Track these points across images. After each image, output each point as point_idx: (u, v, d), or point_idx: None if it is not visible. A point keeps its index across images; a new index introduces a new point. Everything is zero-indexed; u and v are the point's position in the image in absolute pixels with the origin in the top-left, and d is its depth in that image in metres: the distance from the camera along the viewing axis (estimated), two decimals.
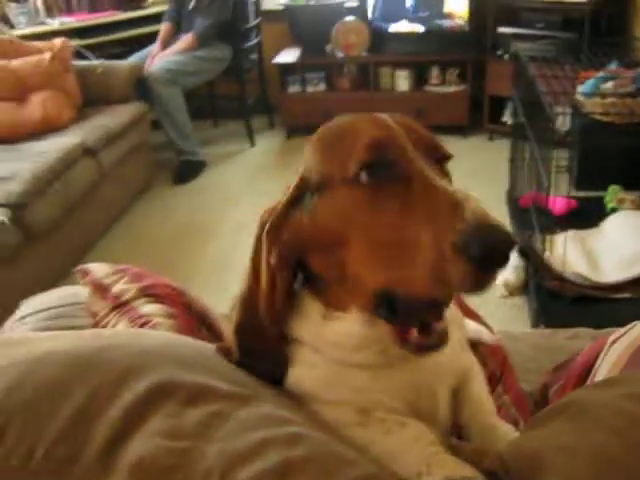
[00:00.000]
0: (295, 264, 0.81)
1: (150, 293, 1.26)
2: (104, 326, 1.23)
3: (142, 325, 1.15)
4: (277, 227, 0.79)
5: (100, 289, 1.30)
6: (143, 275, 1.33)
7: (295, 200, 0.79)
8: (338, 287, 0.79)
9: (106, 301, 1.27)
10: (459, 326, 0.96)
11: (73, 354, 0.74)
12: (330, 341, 0.81)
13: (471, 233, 0.62)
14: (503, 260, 0.63)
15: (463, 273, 0.62)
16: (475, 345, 1.30)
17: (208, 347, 0.90)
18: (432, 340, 0.74)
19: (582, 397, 0.69)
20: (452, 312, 0.88)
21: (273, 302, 0.80)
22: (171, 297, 1.27)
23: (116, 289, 1.28)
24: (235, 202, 4.07)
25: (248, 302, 0.83)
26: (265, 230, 0.79)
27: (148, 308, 1.21)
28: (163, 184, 4.48)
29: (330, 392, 0.82)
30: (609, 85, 2.91)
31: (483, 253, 0.61)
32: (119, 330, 1.13)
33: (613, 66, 3.13)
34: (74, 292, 1.50)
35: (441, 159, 0.78)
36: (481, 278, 0.63)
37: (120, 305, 1.24)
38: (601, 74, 3.02)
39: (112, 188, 3.86)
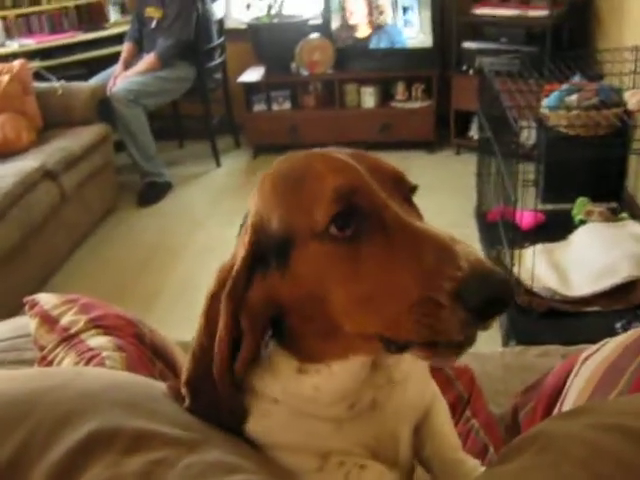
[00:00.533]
0: (268, 323, 0.74)
1: (100, 324, 1.21)
2: (51, 360, 1.17)
3: (90, 359, 1.10)
4: (239, 287, 0.71)
5: (48, 321, 1.25)
6: (93, 306, 1.27)
7: (253, 256, 0.71)
8: (320, 340, 0.72)
9: (54, 334, 1.21)
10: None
11: (4, 399, 0.68)
12: (305, 396, 0.75)
13: (470, 281, 0.58)
14: (503, 308, 0.59)
15: (461, 322, 0.59)
16: (441, 367, 1.26)
17: (156, 386, 0.84)
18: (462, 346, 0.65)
19: (550, 428, 0.65)
20: (403, 374, 0.82)
21: (228, 365, 0.73)
22: (122, 328, 1.22)
23: (64, 321, 1.23)
24: (201, 224, 4.01)
25: (200, 358, 0.75)
26: (226, 291, 0.71)
27: (97, 341, 1.16)
28: (128, 206, 4.40)
29: (285, 437, 0.77)
30: (573, 98, 2.91)
31: (484, 303, 0.58)
32: (57, 369, 1.08)
33: (577, 79, 3.13)
34: (27, 323, 1.44)
35: (408, 192, 0.73)
36: (480, 326, 0.60)
37: (68, 338, 1.19)
38: (565, 87, 3.03)
39: (75, 211, 3.79)
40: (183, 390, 0.78)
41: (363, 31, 4.80)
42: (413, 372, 0.83)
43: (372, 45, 4.79)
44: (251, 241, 0.71)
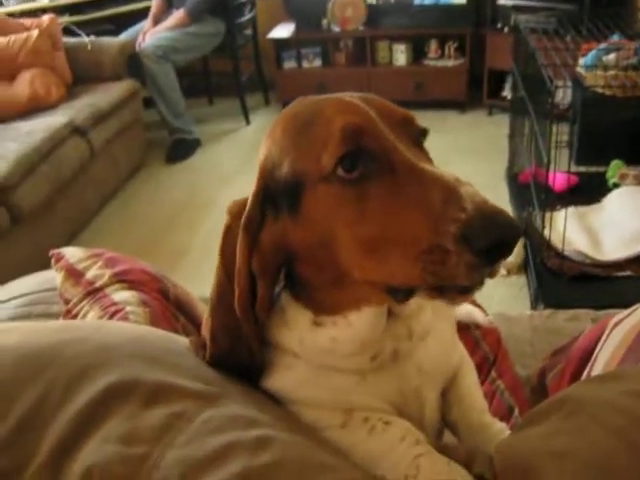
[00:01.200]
0: (279, 269, 0.74)
1: (124, 279, 1.21)
2: (76, 314, 1.17)
3: (114, 313, 1.10)
4: (253, 220, 0.71)
5: (73, 274, 1.25)
6: (118, 260, 1.27)
7: (264, 196, 0.71)
8: (332, 290, 0.72)
9: (79, 287, 1.22)
10: (447, 317, 0.88)
11: (23, 352, 0.68)
12: (322, 348, 0.74)
13: (475, 223, 0.57)
14: (510, 250, 0.58)
15: (468, 266, 0.57)
16: (468, 327, 1.25)
17: (178, 341, 0.84)
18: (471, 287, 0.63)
19: (579, 393, 0.63)
20: (426, 328, 0.81)
21: (249, 304, 0.72)
22: (147, 283, 1.21)
23: (90, 275, 1.23)
24: (230, 181, 4.00)
25: (219, 301, 0.75)
26: (242, 224, 0.71)
27: (121, 295, 1.15)
28: (156, 163, 4.41)
29: (308, 393, 0.76)
30: (611, 57, 2.83)
31: (490, 244, 0.56)
32: (78, 323, 1.07)
33: (615, 38, 3.04)
34: (54, 277, 1.45)
35: (418, 135, 0.71)
36: (487, 270, 0.59)
37: (93, 291, 1.19)
38: (603, 46, 2.94)
39: (103, 168, 3.79)
40: (204, 337, 0.78)
41: None
42: (437, 330, 0.82)
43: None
44: (260, 180, 0.71)
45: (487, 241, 0.56)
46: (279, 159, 0.69)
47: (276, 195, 0.70)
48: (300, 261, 0.72)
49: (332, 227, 0.66)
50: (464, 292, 0.62)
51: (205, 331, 0.78)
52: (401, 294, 0.65)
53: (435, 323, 0.82)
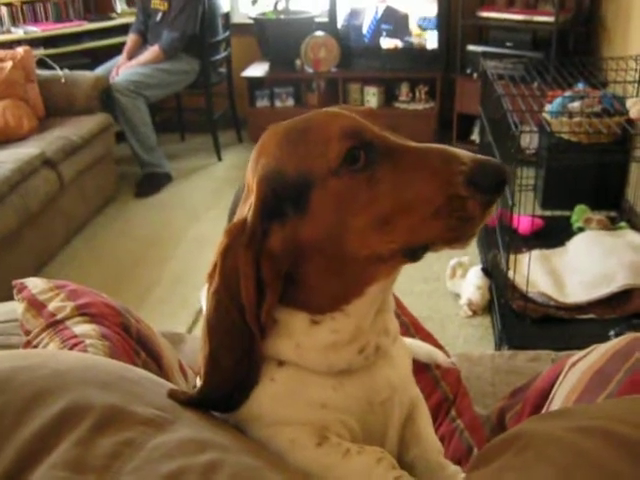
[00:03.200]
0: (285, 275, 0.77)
1: (86, 312, 1.20)
2: (36, 345, 1.16)
3: (74, 346, 1.09)
4: (256, 236, 0.75)
5: (35, 305, 1.24)
6: (81, 293, 1.26)
7: (266, 208, 0.75)
8: (336, 283, 0.77)
9: (40, 318, 1.20)
10: (408, 354, 0.94)
11: None
12: (324, 344, 0.78)
13: (476, 170, 0.69)
14: (505, 183, 0.70)
15: (480, 204, 0.69)
16: (428, 367, 1.26)
17: (135, 370, 0.83)
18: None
19: (529, 429, 0.63)
20: (401, 339, 0.89)
21: (259, 316, 0.75)
22: (108, 317, 1.21)
23: (51, 306, 1.22)
24: (200, 217, 4.00)
25: (222, 322, 0.75)
26: (244, 242, 0.74)
27: (82, 328, 1.15)
28: (126, 198, 4.39)
29: (287, 408, 0.78)
30: (576, 105, 2.90)
31: (493, 181, 0.69)
32: (34, 350, 1.07)
33: (580, 86, 3.12)
34: (16, 308, 1.43)
35: (388, 124, 0.80)
36: (491, 205, 0.71)
37: (54, 323, 1.18)
38: (568, 93, 3.02)
39: (73, 200, 3.78)
40: (203, 363, 0.77)
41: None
42: (399, 354, 0.88)
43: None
44: (260, 194, 0.75)
45: (493, 179, 0.69)
46: (282, 167, 0.75)
47: (281, 202, 0.75)
48: (307, 260, 0.76)
49: (344, 216, 0.73)
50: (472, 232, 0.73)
51: (201, 357, 0.78)
52: (420, 251, 0.74)
53: (397, 349, 0.87)
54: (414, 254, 0.74)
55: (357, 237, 0.73)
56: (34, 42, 4.60)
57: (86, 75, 4.21)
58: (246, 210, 0.76)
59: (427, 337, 1.38)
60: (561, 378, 1.11)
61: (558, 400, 1.07)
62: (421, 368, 1.27)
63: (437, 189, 0.70)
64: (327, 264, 0.76)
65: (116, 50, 4.70)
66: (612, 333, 2.37)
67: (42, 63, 4.27)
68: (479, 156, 0.71)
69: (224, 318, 0.75)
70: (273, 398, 0.78)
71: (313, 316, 0.78)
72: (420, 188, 0.71)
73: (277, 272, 0.75)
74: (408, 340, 1.29)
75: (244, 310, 0.74)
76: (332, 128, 0.74)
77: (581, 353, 1.14)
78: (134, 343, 1.19)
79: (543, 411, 1.09)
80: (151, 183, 4.43)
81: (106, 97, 4.23)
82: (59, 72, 4.15)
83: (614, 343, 1.08)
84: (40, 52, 4.51)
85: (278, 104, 5.00)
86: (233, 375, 0.76)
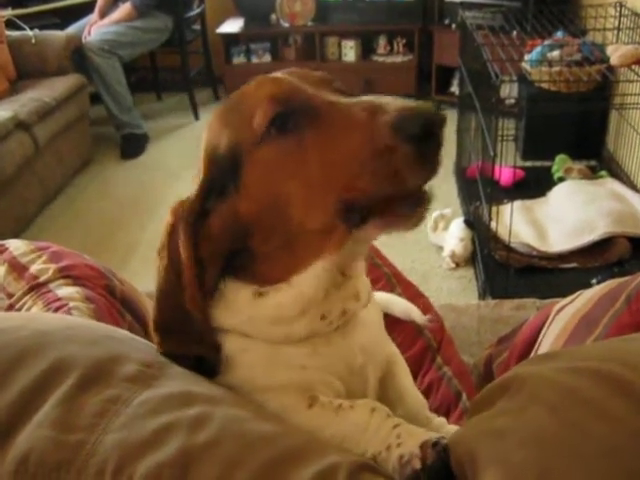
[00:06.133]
0: (228, 252, 0.76)
1: (69, 274, 1.18)
2: (19, 308, 1.15)
3: (57, 309, 1.07)
4: (196, 216, 0.74)
5: (17, 268, 1.22)
6: (63, 254, 1.24)
7: (209, 186, 0.75)
8: (283, 255, 0.74)
9: (22, 281, 1.19)
10: (377, 309, 0.93)
11: None
12: (270, 317, 0.76)
13: (403, 117, 0.63)
14: (439, 135, 0.64)
15: (409, 155, 0.63)
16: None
17: (119, 331, 0.83)
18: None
19: (522, 373, 0.64)
20: (369, 295, 0.87)
21: (200, 294, 0.75)
22: (92, 279, 1.19)
23: (34, 269, 1.20)
24: (178, 176, 3.94)
25: (167, 297, 0.76)
26: (183, 220, 0.74)
27: (65, 291, 1.13)
28: (104, 159, 4.33)
29: (268, 374, 0.77)
30: (556, 53, 2.88)
31: (421, 128, 0.63)
32: (14, 313, 1.05)
33: (559, 35, 3.10)
34: None
35: (341, 90, 0.77)
36: (427, 157, 0.64)
37: (36, 286, 1.16)
38: (548, 42, 2.99)
39: (49, 163, 3.71)
40: (153, 336, 0.78)
41: None
42: (370, 316, 0.87)
43: None
44: (205, 171, 0.75)
45: (417, 124, 0.63)
46: (217, 140, 0.74)
47: (221, 177, 0.73)
48: (250, 235, 0.74)
49: (278, 185, 0.70)
50: (416, 205, 0.68)
51: (153, 327, 0.78)
52: (356, 217, 0.69)
53: (367, 310, 0.85)
54: (351, 218, 0.69)
55: (294, 208, 0.70)
56: (2, 2, 4.48)
57: (57, 35, 4.10)
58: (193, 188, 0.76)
59: (408, 287, 1.38)
60: (548, 324, 1.12)
61: (545, 346, 1.07)
62: (403, 319, 1.28)
63: (361, 142, 0.66)
64: (270, 239, 0.74)
65: (87, 9, 4.57)
66: (594, 281, 2.39)
67: (11, 24, 4.15)
68: (408, 103, 0.65)
69: (170, 295, 0.76)
70: (251, 367, 0.77)
71: (258, 287, 0.76)
72: (345, 145, 0.67)
73: (216, 251, 0.75)
74: (384, 295, 1.29)
75: None
76: (260, 96, 0.71)
77: (567, 299, 1.15)
78: (119, 305, 1.18)
79: (531, 357, 1.09)
80: (134, 144, 4.37)
81: (79, 57, 4.13)
82: (29, 32, 4.04)
83: (600, 288, 1.09)
84: (8, 12, 4.38)
85: (255, 60, 4.94)
86: (187, 346, 0.76)
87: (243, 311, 0.76)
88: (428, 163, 0.65)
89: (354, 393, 0.82)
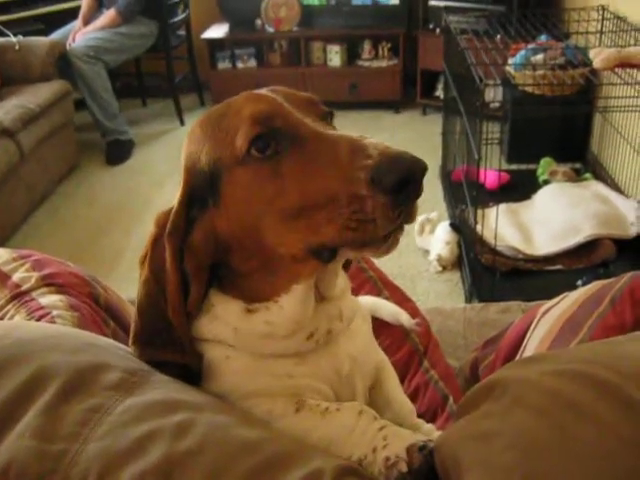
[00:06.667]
0: (211, 266, 0.76)
1: (52, 282, 1.17)
2: (1, 317, 1.13)
3: (40, 318, 1.06)
4: (179, 227, 0.74)
5: None
6: (46, 262, 1.23)
7: (190, 199, 0.74)
8: (263, 276, 0.74)
9: (5, 290, 1.17)
10: (365, 319, 0.92)
11: None
12: (259, 333, 0.75)
13: (381, 164, 0.62)
14: (419, 184, 0.63)
15: (383, 206, 0.62)
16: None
17: (102, 339, 0.82)
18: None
19: (507, 375, 0.64)
20: (356, 304, 0.87)
21: (183, 307, 0.74)
22: (76, 287, 1.18)
23: (16, 277, 1.19)
24: (163, 183, 3.94)
25: (152, 307, 0.76)
26: (167, 232, 0.74)
27: (49, 299, 1.12)
28: (88, 166, 4.31)
29: (253, 381, 0.77)
30: (539, 57, 2.89)
31: (398, 179, 0.61)
32: None
33: (543, 38, 3.11)
34: None
35: (325, 115, 0.76)
36: (403, 208, 0.63)
37: (19, 295, 1.15)
38: (531, 46, 3.01)
39: (34, 170, 3.69)
40: (131, 348, 0.78)
41: None
42: (358, 325, 0.87)
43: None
44: (185, 182, 0.75)
45: (395, 177, 0.61)
46: (197, 154, 0.73)
47: (201, 191, 0.73)
48: (230, 252, 0.74)
49: (253, 207, 0.69)
50: (385, 239, 0.66)
51: (132, 339, 0.78)
52: (326, 253, 0.68)
53: (356, 319, 0.86)
54: (321, 255, 0.69)
55: (269, 232, 0.70)
56: None
57: (41, 41, 4.08)
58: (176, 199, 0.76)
59: (395, 291, 1.38)
60: (533, 326, 1.12)
61: (531, 348, 1.08)
62: (390, 323, 1.28)
63: (337, 185, 0.64)
64: (249, 257, 0.73)
65: (70, 15, 4.56)
66: (579, 283, 2.40)
67: None
68: (391, 149, 0.63)
69: (153, 307, 0.76)
70: (235, 374, 0.77)
71: (248, 304, 0.76)
72: (321, 183, 0.65)
73: (199, 265, 0.74)
74: (372, 299, 1.29)
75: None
76: (245, 113, 0.70)
77: (552, 302, 1.15)
78: (103, 313, 1.17)
79: (516, 359, 1.10)
80: (119, 150, 4.35)
81: (64, 64, 4.11)
82: (12, 39, 4.02)
83: (585, 290, 1.09)
84: None
85: (240, 65, 4.93)
86: (167, 354, 0.76)
87: (230, 324, 0.76)
88: (404, 212, 0.64)
89: (342, 399, 0.81)
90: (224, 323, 0.76)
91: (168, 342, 0.75)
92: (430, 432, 0.89)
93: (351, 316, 0.84)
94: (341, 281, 0.83)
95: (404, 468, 0.66)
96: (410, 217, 0.65)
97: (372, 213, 0.62)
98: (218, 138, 0.71)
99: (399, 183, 0.61)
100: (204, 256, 0.74)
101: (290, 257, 0.70)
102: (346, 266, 0.88)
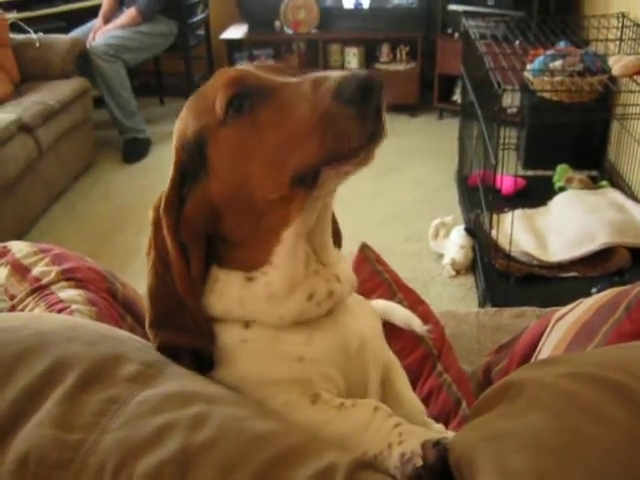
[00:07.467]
0: (206, 235, 0.80)
1: (72, 277, 1.19)
2: (21, 310, 1.15)
3: (59, 311, 1.08)
4: (173, 202, 0.79)
5: (19, 270, 1.22)
6: (66, 257, 1.25)
7: (182, 177, 0.80)
8: (257, 236, 0.79)
9: (25, 283, 1.19)
10: (376, 318, 0.95)
11: None
12: (262, 296, 0.79)
13: (342, 82, 0.69)
14: (379, 93, 0.70)
15: (351, 117, 0.68)
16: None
17: (120, 331, 0.83)
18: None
19: (522, 377, 0.64)
20: (368, 304, 0.91)
21: (190, 279, 0.78)
22: (94, 282, 1.20)
23: (36, 271, 1.21)
24: None
25: (161, 289, 0.79)
26: (162, 209, 0.78)
27: (68, 293, 1.14)
28: (107, 163, 4.34)
29: (267, 368, 0.78)
30: (558, 63, 2.89)
31: (357, 88, 0.68)
32: (15, 314, 1.06)
33: (562, 45, 3.11)
34: None
35: (294, 75, 0.81)
36: (368, 116, 0.69)
37: (39, 288, 1.16)
38: (550, 52, 3.00)
39: (52, 166, 3.72)
40: (148, 332, 0.80)
41: None
42: (364, 309, 0.92)
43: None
44: (176, 162, 0.80)
45: (354, 87, 0.68)
46: (184, 131, 0.79)
47: (191, 163, 0.78)
48: (223, 219, 0.78)
49: (239, 163, 0.75)
50: (360, 152, 0.71)
51: (148, 324, 0.80)
52: (309, 178, 0.73)
53: (356, 305, 0.89)
54: (304, 181, 0.74)
55: (256, 180, 0.75)
56: (7, 5, 4.49)
57: (61, 39, 4.12)
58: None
59: (409, 294, 1.38)
60: (547, 332, 1.13)
61: (545, 353, 1.08)
62: (404, 327, 1.28)
63: (308, 111, 0.71)
64: (241, 218, 0.78)
65: (91, 13, 4.59)
66: (594, 290, 2.39)
67: (15, 27, 4.17)
68: (347, 72, 0.71)
69: (162, 289, 0.79)
70: (250, 358, 0.79)
71: (247, 273, 0.80)
72: (294, 115, 0.72)
73: (195, 233, 0.79)
74: (385, 303, 1.30)
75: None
76: (218, 83, 0.77)
77: (567, 308, 1.15)
78: (121, 308, 1.18)
79: (531, 362, 1.10)
80: (137, 149, 4.37)
81: (83, 62, 4.14)
82: (33, 36, 4.06)
83: (600, 297, 1.09)
84: (13, 16, 4.40)
85: None
86: (181, 337, 0.78)
87: (235, 295, 0.79)
88: (369, 122, 0.69)
89: (354, 382, 0.83)
90: (230, 295, 0.80)
91: (181, 324, 0.78)
92: (440, 432, 0.90)
93: (350, 281, 0.87)
94: (336, 253, 0.88)
95: (419, 462, 0.67)
96: (380, 128, 0.71)
97: (342, 125, 0.69)
98: (199, 110, 0.78)
99: (360, 93, 0.68)
100: (199, 224, 0.78)
101: (278, 199, 0.75)
102: (336, 239, 0.91)
